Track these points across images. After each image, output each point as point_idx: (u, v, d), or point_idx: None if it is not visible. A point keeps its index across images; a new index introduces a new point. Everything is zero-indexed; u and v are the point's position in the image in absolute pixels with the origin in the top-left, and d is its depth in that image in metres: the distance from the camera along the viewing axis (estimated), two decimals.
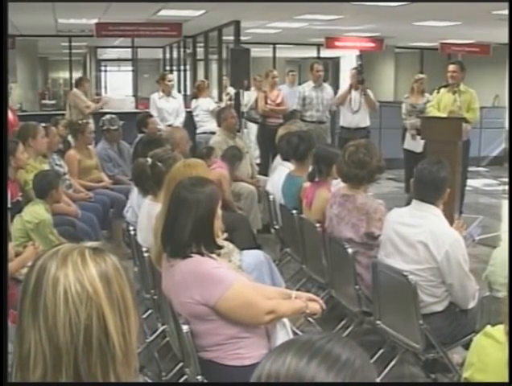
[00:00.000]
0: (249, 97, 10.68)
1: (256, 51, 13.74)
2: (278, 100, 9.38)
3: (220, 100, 11.04)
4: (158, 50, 18.11)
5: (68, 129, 7.22)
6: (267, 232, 6.42)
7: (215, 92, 13.17)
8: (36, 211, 4.75)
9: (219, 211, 2.93)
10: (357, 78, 9.12)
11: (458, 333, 3.64)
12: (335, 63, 19.66)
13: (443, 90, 7.79)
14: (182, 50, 16.06)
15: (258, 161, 9.19)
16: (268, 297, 2.95)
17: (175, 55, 17.03)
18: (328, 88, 9.51)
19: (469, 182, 8.77)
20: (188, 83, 16.03)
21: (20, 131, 5.97)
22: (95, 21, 10.99)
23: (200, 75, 13.52)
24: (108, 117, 7.45)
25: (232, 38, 11.10)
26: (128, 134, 7.76)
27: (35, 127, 5.96)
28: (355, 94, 9.16)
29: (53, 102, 17.41)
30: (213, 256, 2.94)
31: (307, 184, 5.11)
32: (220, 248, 3.03)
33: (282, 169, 5.83)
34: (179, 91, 13.85)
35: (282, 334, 2.89)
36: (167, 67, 17.29)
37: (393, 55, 18.06)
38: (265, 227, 6.63)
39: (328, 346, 1.07)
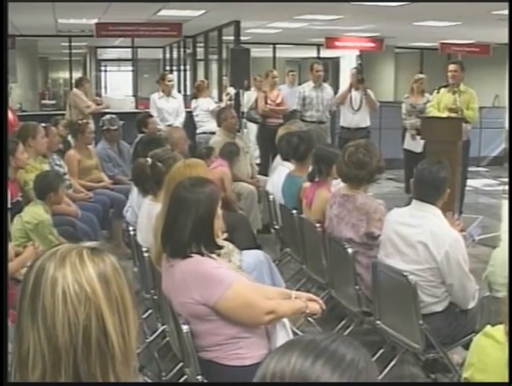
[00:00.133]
0: (249, 97, 10.68)
1: (256, 51, 13.75)
2: (278, 100, 9.38)
3: (220, 100, 11.04)
4: (158, 50, 18.11)
5: (68, 129, 7.23)
6: (267, 232, 6.42)
7: (215, 92, 13.18)
8: (35, 212, 4.75)
9: (219, 211, 2.93)
10: (357, 77, 9.13)
11: (458, 333, 3.64)
12: (335, 63, 19.65)
13: (443, 90, 7.79)
14: (182, 50, 16.06)
15: (258, 161, 9.19)
16: (268, 298, 2.95)
17: (175, 55, 17.03)
18: (328, 88, 9.51)
19: (469, 182, 8.77)
20: (188, 83, 16.03)
21: (20, 131, 5.97)
22: (95, 21, 10.99)
23: (200, 76, 13.52)
24: (108, 117, 7.45)
25: (232, 38, 11.10)
26: (128, 134, 7.77)
27: (35, 127, 5.96)
28: (355, 94, 9.16)
29: (53, 102, 17.42)
30: (213, 256, 2.94)
31: (307, 184, 5.11)
32: (220, 248, 3.03)
33: (282, 169, 5.83)
34: (179, 91, 13.86)
35: (282, 335, 2.89)
36: (167, 67, 17.29)
37: (393, 55, 18.06)
38: (265, 227, 6.63)
39: (332, 346, 1.07)
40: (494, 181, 11.30)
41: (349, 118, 9.19)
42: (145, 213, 4.21)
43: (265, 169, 8.54)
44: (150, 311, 4.33)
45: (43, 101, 16.92)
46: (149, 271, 3.91)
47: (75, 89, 9.52)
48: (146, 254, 3.89)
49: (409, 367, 4.14)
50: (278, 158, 6.38)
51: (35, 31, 13.46)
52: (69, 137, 7.34)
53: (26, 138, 5.73)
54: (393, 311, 3.81)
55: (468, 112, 7.55)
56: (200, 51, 14.12)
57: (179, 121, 8.97)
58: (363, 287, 4.07)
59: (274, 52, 15.98)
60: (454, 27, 11.32)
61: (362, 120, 9.17)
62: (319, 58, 15.18)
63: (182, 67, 16.71)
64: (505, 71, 12.90)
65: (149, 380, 3.52)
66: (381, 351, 3.86)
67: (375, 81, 16.24)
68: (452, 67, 7.78)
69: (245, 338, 2.83)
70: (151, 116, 8.22)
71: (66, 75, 18.30)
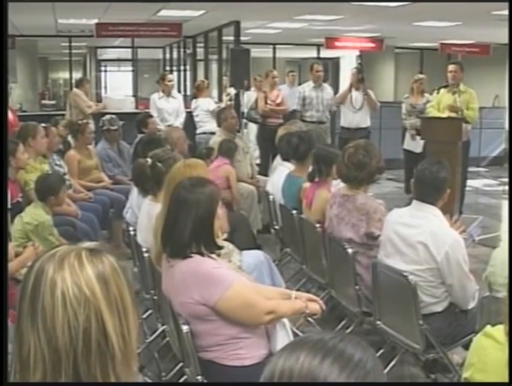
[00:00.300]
0: (249, 97, 10.68)
1: (256, 52, 13.75)
2: (278, 101, 9.38)
3: (221, 100, 11.04)
4: (158, 50, 18.10)
5: (68, 129, 7.23)
6: (267, 232, 6.42)
7: (215, 93, 13.18)
8: (36, 213, 4.74)
9: (219, 212, 2.93)
10: (357, 77, 9.13)
11: (458, 333, 3.64)
12: (335, 63, 19.65)
13: (442, 90, 7.80)
14: (182, 50, 16.06)
15: (258, 161, 9.19)
16: (268, 298, 2.95)
17: (175, 55, 17.03)
18: (327, 88, 9.51)
19: (469, 182, 8.77)
20: (188, 83, 16.03)
21: (20, 131, 5.97)
22: (95, 21, 10.98)
23: (200, 76, 13.52)
24: (108, 117, 7.45)
25: (232, 38, 11.10)
26: (128, 134, 7.76)
27: (35, 127, 5.96)
28: (356, 94, 9.15)
29: (53, 102, 17.43)
30: (213, 256, 2.94)
31: (307, 184, 5.11)
32: (220, 248, 3.03)
33: (282, 169, 5.83)
34: (179, 91, 13.85)
35: (282, 335, 2.89)
36: (167, 68, 17.29)
37: (393, 56, 18.06)
38: (265, 227, 6.63)
39: (340, 345, 1.07)
40: (494, 181, 11.31)
41: (350, 118, 9.19)
42: (145, 213, 4.21)
43: (265, 169, 8.54)
44: (150, 311, 4.33)
45: (43, 101, 16.93)
46: (149, 271, 3.91)
47: (75, 89, 9.52)
48: (146, 254, 3.89)
49: (409, 368, 4.14)
50: (278, 159, 6.38)
51: (35, 31, 13.45)
52: (69, 138, 7.34)
53: (26, 138, 5.73)
54: (393, 311, 3.81)
55: (469, 112, 7.55)
56: (200, 51, 14.12)
57: (179, 121, 8.97)
58: (363, 287, 4.07)
59: (274, 52, 15.98)
60: (454, 27, 11.32)
61: (363, 120, 9.17)
62: (319, 58, 15.19)
63: (182, 68, 16.71)
64: (505, 71, 12.90)
65: (149, 380, 3.52)
66: (381, 351, 3.86)
67: (375, 81, 16.23)
68: (451, 67, 7.78)
69: (245, 339, 2.84)
70: (151, 116, 8.22)
71: (66, 75, 18.31)
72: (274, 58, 15.98)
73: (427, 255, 3.56)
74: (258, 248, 5.22)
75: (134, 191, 4.88)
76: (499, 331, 1.97)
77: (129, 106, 11.98)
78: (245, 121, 10.38)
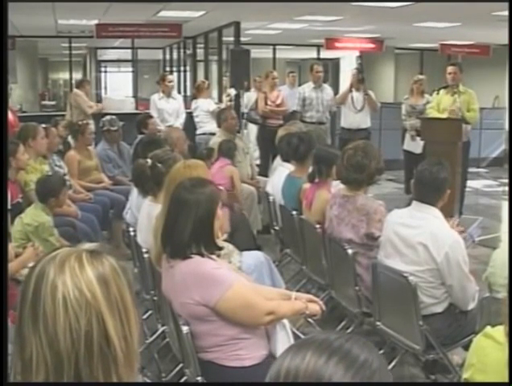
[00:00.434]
0: (249, 98, 10.68)
1: (256, 52, 13.74)
2: (278, 101, 9.37)
3: (221, 101, 11.04)
4: (158, 51, 18.11)
5: (68, 129, 7.23)
6: (267, 232, 6.42)
7: (215, 93, 13.18)
8: (36, 214, 4.74)
9: (219, 212, 2.93)
10: (357, 77, 9.13)
11: (458, 334, 3.64)
12: (335, 64, 19.65)
13: (442, 91, 7.80)
14: (182, 51, 16.06)
15: (258, 162, 9.19)
16: (268, 298, 2.95)
17: (175, 56, 17.03)
18: (328, 88, 9.50)
19: (469, 183, 8.77)
20: (188, 84, 16.04)
21: (20, 132, 5.97)
22: (95, 22, 10.99)
23: (200, 76, 13.52)
24: (108, 117, 7.45)
25: (232, 39, 11.10)
26: (128, 135, 7.76)
27: (35, 128, 5.96)
28: (357, 94, 9.15)
29: (53, 103, 17.46)
30: (213, 257, 2.94)
31: (307, 185, 5.11)
32: (220, 248, 3.03)
33: (282, 170, 5.83)
34: (179, 92, 13.86)
35: (282, 335, 2.89)
36: (167, 68, 17.30)
37: (393, 56, 18.06)
38: (265, 228, 6.63)
39: (346, 345, 1.07)
40: (494, 182, 11.31)
41: (350, 119, 9.18)
42: (145, 214, 4.21)
43: (265, 170, 8.54)
44: (150, 312, 4.33)
45: (43, 102, 16.96)
46: (149, 272, 3.91)
47: (76, 90, 9.52)
48: (146, 255, 3.89)
49: (409, 368, 4.14)
50: (278, 159, 6.38)
51: (35, 32, 13.46)
52: (69, 138, 7.35)
53: (27, 139, 5.73)
54: (393, 312, 3.81)
55: (470, 113, 7.56)
56: (200, 51, 14.12)
57: (179, 121, 8.97)
58: (363, 288, 4.07)
59: (274, 53, 15.98)
60: (454, 28, 11.33)
61: (363, 121, 9.16)
62: (319, 59, 15.19)
63: (182, 68, 16.71)
64: (505, 72, 12.91)
65: (149, 381, 3.52)
66: (381, 351, 3.85)
67: (375, 82, 16.23)
68: (450, 68, 7.79)
69: (245, 339, 2.84)
70: (151, 117, 8.22)
71: (66, 76, 18.30)
72: (274, 59, 15.99)
73: (427, 256, 3.56)
74: (258, 248, 5.22)
75: (134, 192, 4.88)
76: (499, 332, 1.97)
77: (129, 107, 11.98)
78: (245, 121, 10.38)
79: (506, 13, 7.26)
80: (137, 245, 4.26)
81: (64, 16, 10.74)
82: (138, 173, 4.52)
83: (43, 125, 6.24)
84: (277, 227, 5.81)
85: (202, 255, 2.86)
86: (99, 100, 14.48)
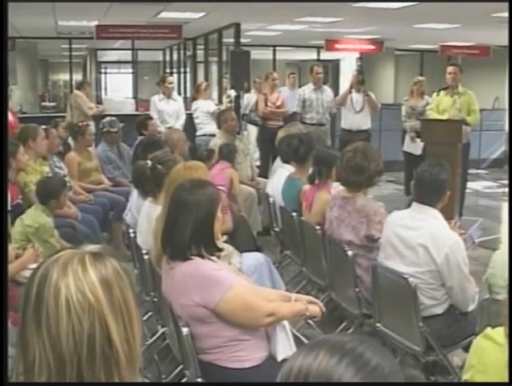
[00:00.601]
0: (249, 100, 10.69)
1: (256, 54, 13.75)
2: (279, 103, 9.37)
3: (221, 102, 11.05)
4: (158, 52, 18.12)
5: (68, 131, 7.23)
6: (267, 234, 6.42)
7: (215, 95, 13.19)
8: (36, 215, 4.73)
9: (219, 214, 2.93)
10: (357, 78, 9.13)
11: (458, 335, 3.64)
12: (335, 65, 19.66)
13: (442, 92, 7.80)
14: (182, 52, 16.07)
15: (258, 163, 9.19)
16: (268, 300, 2.95)
17: (175, 57, 17.04)
18: (327, 90, 9.50)
19: (469, 184, 8.77)
20: (188, 85, 16.05)
21: (20, 133, 5.97)
22: (95, 23, 11.00)
23: (200, 78, 13.53)
24: (108, 119, 7.46)
25: (232, 40, 11.11)
26: (128, 136, 7.77)
27: (35, 129, 5.96)
28: (357, 95, 9.14)
29: (53, 104, 17.46)
30: (213, 258, 2.94)
31: (307, 186, 5.11)
32: (220, 250, 3.03)
33: (282, 171, 5.83)
34: (180, 93, 13.87)
35: (282, 337, 2.89)
36: (167, 70, 17.31)
37: (393, 58, 18.06)
38: (265, 229, 6.63)
39: (359, 348, 1.07)
40: (494, 183, 11.31)
41: (350, 120, 9.17)
42: (145, 215, 4.22)
43: (265, 171, 8.54)
44: (150, 313, 4.32)
45: (43, 103, 16.96)
46: (149, 273, 3.91)
47: (76, 91, 9.52)
48: (146, 256, 3.90)
49: (409, 370, 4.14)
50: (278, 161, 6.38)
51: (36, 33, 13.47)
52: (69, 139, 7.34)
53: (27, 140, 5.73)
54: (393, 313, 3.81)
55: (470, 116, 7.57)
56: (200, 53, 14.13)
57: (179, 123, 8.96)
58: (363, 289, 4.07)
59: (274, 54, 16.00)
60: (454, 29, 11.34)
61: (363, 122, 9.15)
62: (319, 60, 15.20)
63: (182, 70, 16.72)
64: (505, 73, 12.91)
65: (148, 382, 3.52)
66: None
67: (375, 83, 16.22)
68: (450, 69, 7.80)
69: (245, 341, 2.83)
70: (151, 118, 8.22)
71: (66, 77, 18.34)
72: (274, 60, 16.00)
73: (427, 257, 3.56)
74: (258, 250, 5.21)
75: (134, 193, 4.88)
76: (499, 333, 1.97)
77: (129, 108, 11.99)
78: (245, 123, 10.38)
79: (506, 14, 7.27)
80: (137, 247, 4.26)
81: (64, 17, 10.74)
82: (138, 174, 4.52)
83: (43, 127, 6.24)
84: (277, 229, 5.81)
85: (202, 256, 2.86)
86: (99, 101, 14.49)
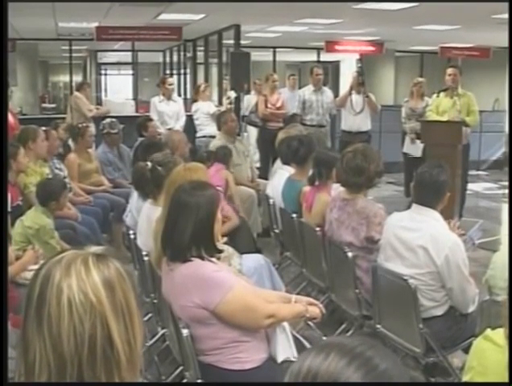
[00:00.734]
0: (249, 101, 10.69)
1: (256, 55, 13.77)
2: (279, 104, 9.37)
3: (221, 103, 11.05)
4: (158, 53, 18.13)
5: (68, 132, 7.23)
6: (267, 235, 6.42)
7: (215, 96, 13.19)
8: (36, 217, 4.74)
9: (219, 215, 2.93)
10: (357, 80, 9.13)
11: (458, 337, 3.64)
12: (335, 66, 19.66)
13: (442, 94, 7.81)
14: (182, 53, 16.08)
15: (258, 164, 9.19)
16: (268, 301, 2.95)
17: (175, 58, 17.05)
18: (327, 91, 9.50)
19: (469, 185, 8.77)
20: (188, 86, 16.06)
21: (20, 134, 5.97)
22: (95, 24, 10.99)
23: (200, 79, 13.55)
24: (108, 120, 7.46)
25: (232, 41, 11.11)
26: (128, 138, 7.77)
27: (35, 130, 5.96)
28: (357, 97, 9.15)
29: (53, 106, 17.48)
30: (213, 259, 2.94)
31: (307, 188, 5.11)
32: (220, 251, 3.03)
33: (282, 173, 5.83)
34: (180, 94, 13.88)
35: (282, 338, 2.89)
36: (168, 71, 17.32)
37: (393, 59, 18.08)
38: (265, 230, 6.63)
39: (368, 353, 1.08)
40: (494, 184, 11.31)
41: (350, 121, 9.17)
42: (145, 217, 4.22)
43: (265, 172, 8.54)
44: (150, 315, 4.32)
45: (44, 105, 16.97)
46: (149, 275, 3.91)
47: (76, 92, 9.52)
48: (146, 258, 3.90)
49: (409, 371, 4.14)
50: (278, 162, 6.38)
51: (36, 35, 13.46)
52: (69, 141, 7.35)
53: (27, 142, 5.73)
54: (393, 315, 3.81)
55: (470, 117, 7.58)
56: (200, 54, 14.14)
57: (179, 124, 8.96)
58: (363, 291, 4.07)
59: (274, 56, 16.00)
60: (454, 31, 11.34)
61: (363, 123, 9.15)
62: (319, 62, 15.22)
63: (182, 71, 16.73)
64: (505, 74, 12.91)
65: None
66: None
67: (375, 85, 16.24)
68: (450, 70, 7.80)
69: (245, 342, 2.83)
70: (151, 119, 8.23)
71: (66, 78, 18.31)
72: (274, 61, 16.01)
73: (427, 258, 3.56)
74: (258, 251, 5.21)
75: (134, 195, 4.88)
76: (499, 334, 1.97)
77: (129, 109, 12.02)
78: (245, 124, 10.38)
79: (506, 15, 7.28)
80: (137, 248, 4.26)
81: (65, 19, 10.74)
82: (138, 176, 4.52)
83: (44, 128, 6.24)
84: (277, 230, 5.81)
85: (202, 258, 2.86)
86: (99, 102, 14.52)
